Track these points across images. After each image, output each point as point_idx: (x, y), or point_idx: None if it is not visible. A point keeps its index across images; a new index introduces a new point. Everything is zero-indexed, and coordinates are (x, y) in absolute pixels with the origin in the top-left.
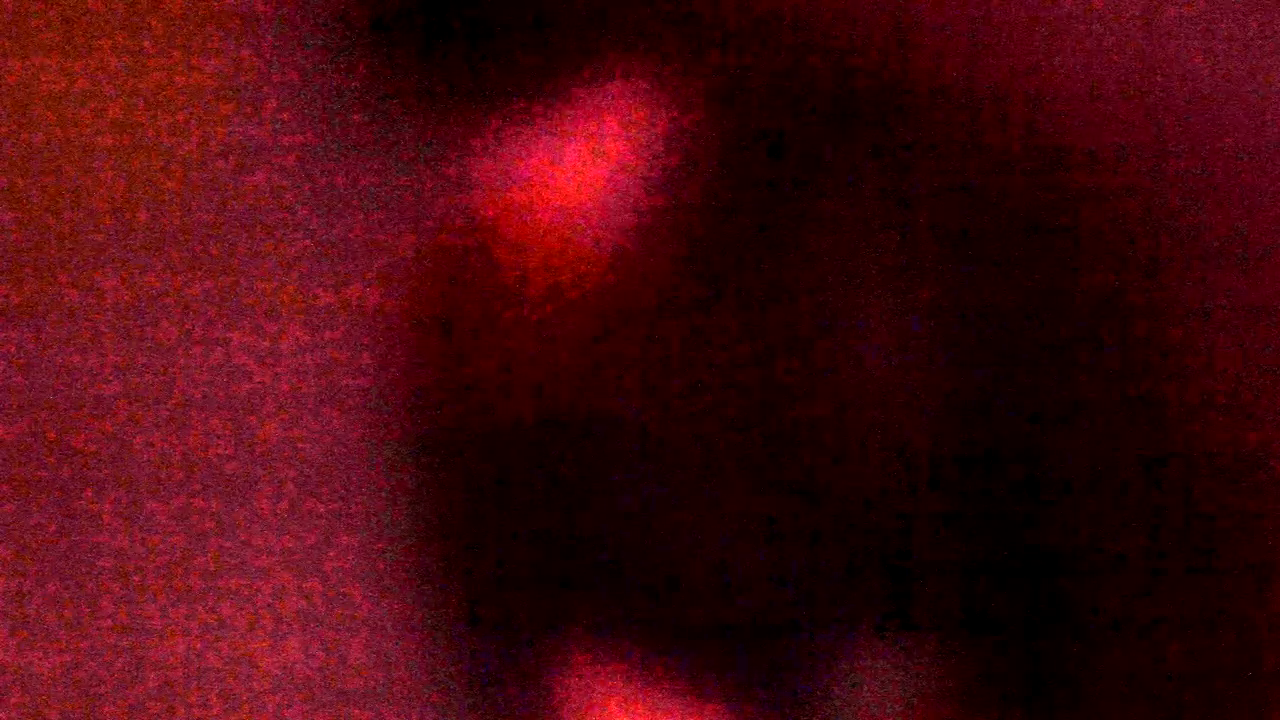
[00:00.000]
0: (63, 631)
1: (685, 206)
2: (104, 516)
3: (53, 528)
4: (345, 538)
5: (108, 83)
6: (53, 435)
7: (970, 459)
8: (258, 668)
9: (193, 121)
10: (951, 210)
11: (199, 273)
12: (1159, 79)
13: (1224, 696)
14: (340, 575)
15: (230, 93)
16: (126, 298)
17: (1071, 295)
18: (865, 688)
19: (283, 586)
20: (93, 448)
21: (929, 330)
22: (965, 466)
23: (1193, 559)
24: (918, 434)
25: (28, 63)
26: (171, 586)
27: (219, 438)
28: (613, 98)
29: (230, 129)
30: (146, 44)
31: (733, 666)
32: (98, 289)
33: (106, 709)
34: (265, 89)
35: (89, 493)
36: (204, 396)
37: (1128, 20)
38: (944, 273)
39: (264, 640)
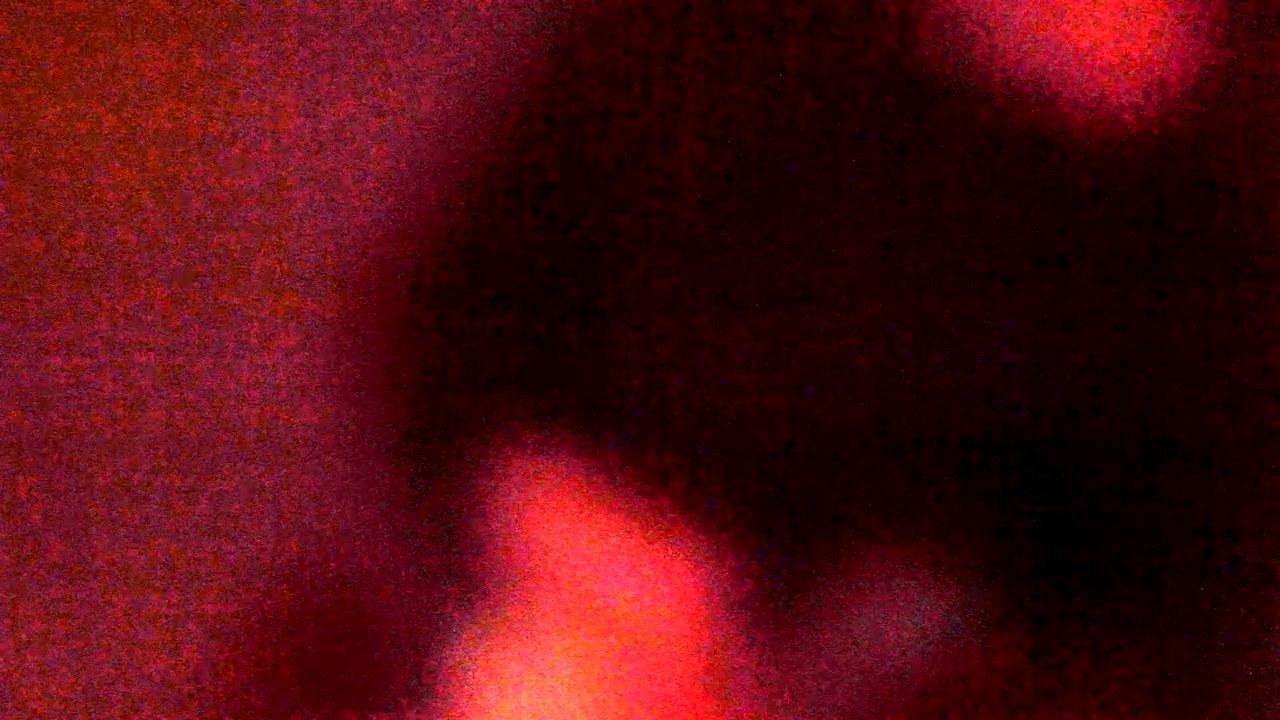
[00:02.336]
0: (59, 630)
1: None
2: (99, 515)
3: (50, 530)
4: (332, 541)
5: (106, 82)
6: (50, 434)
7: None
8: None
9: (191, 118)
10: (966, 209)
11: (195, 276)
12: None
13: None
14: (326, 578)
15: (226, 88)
16: (124, 303)
17: (1080, 295)
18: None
19: (272, 585)
20: (88, 452)
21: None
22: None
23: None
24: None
25: (27, 63)
26: (172, 584)
27: (214, 438)
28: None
29: (228, 126)
30: (147, 45)
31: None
32: (97, 291)
33: (104, 708)
34: (262, 84)
35: (85, 493)
36: (200, 398)
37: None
38: (949, 272)
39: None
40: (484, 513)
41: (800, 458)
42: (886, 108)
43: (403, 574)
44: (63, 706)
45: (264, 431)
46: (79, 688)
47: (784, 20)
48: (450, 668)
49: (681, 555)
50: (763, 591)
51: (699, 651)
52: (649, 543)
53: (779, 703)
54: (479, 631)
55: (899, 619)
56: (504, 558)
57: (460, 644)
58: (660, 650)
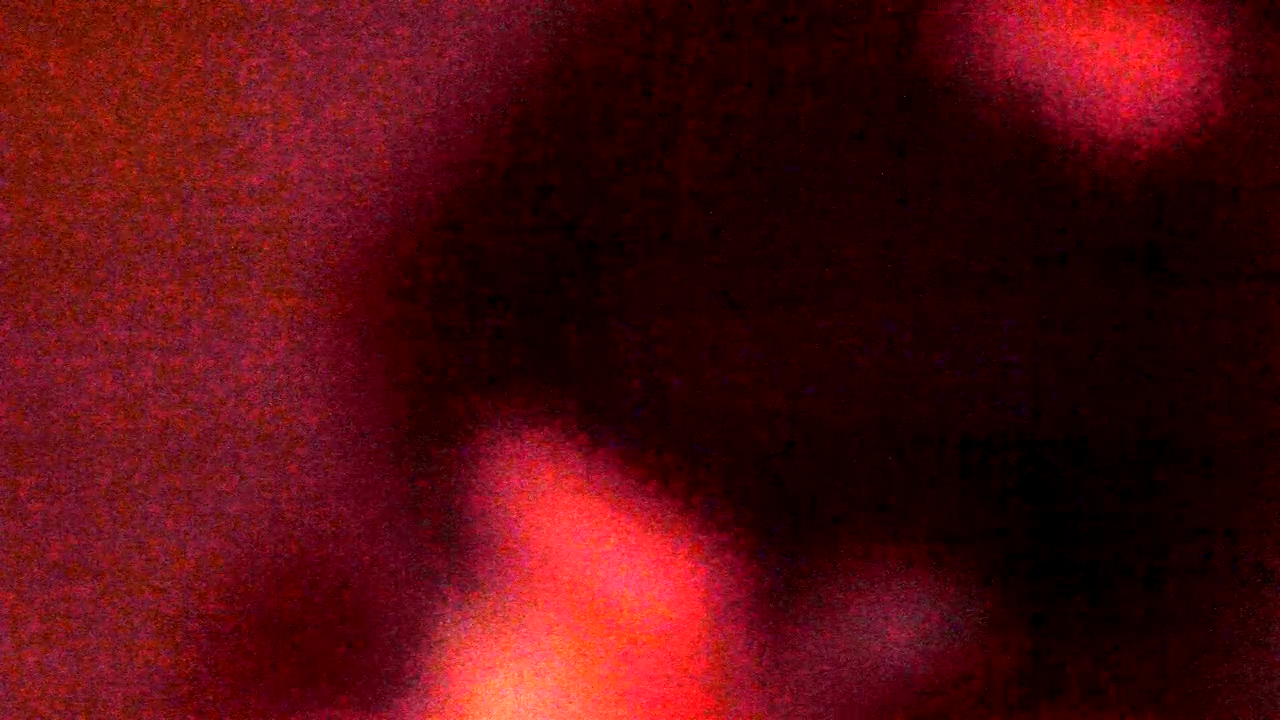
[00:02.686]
0: (59, 630)
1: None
2: (99, 515)
3: (50, 530)
4: (332, 541)
5: (106, 82)
6: (50, 434)
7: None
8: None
9: (191, 118)
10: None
11: (195, 276)
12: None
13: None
14: (326, 577)
15: (226, 88)
16: (124, 303)
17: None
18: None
19: (270, 586)
20: (88, 452)
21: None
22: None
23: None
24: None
25: (27, 63)
26: (172, 584)
27: (215, 438)
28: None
29: (228, 126)
30: (147, 45)
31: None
32: (97, 291)
33: (104, 708)
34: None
35: (85, 492)
36: (200, 398)
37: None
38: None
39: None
40: (483, 512)
41: (800, 458)
42: (886, 108)
43: (403, 573)
44: (63, 707)
45: (264, 431)
46: (79, 688)
47: (784, 20)
48: (449, 667)
49: (681, 555)
50: (762, 591)
51: (699, 652)
52: (648, 542)
53: (778, 702)
54: (478, 631)
55: (899, 619)
56: (503, 557)
57: (459, 644)
58: (660, 650)
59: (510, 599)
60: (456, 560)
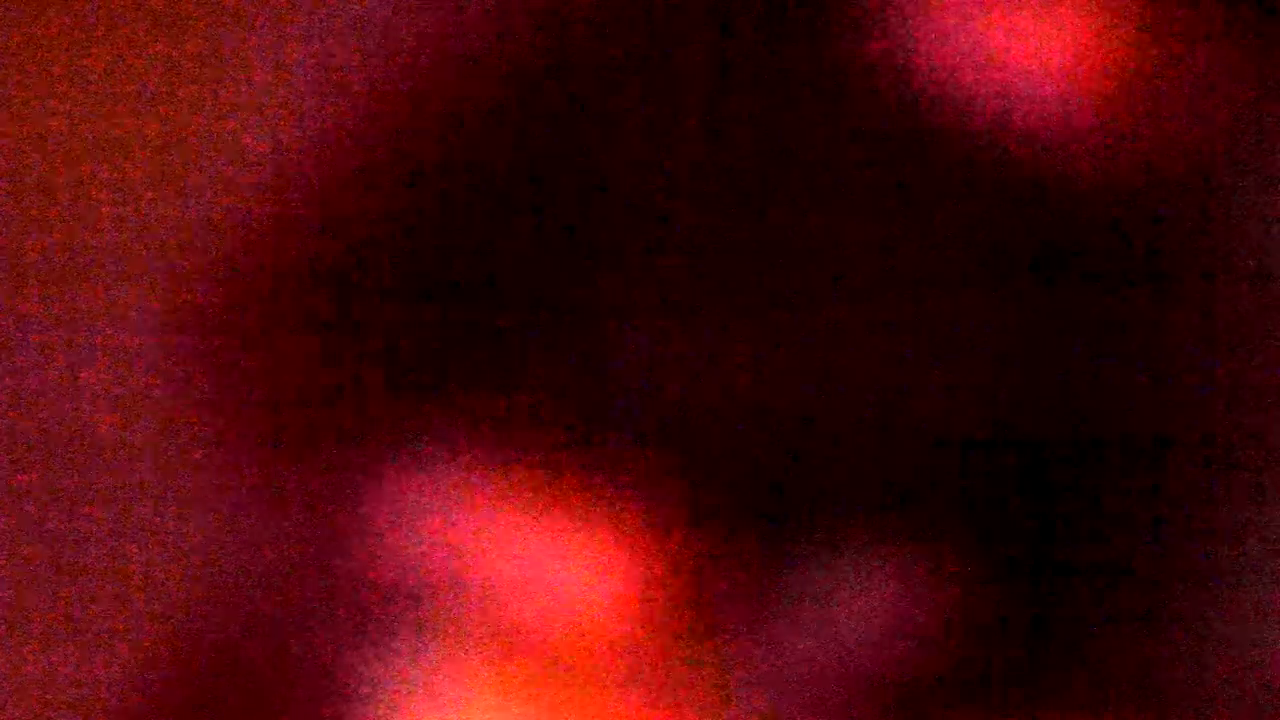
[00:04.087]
0: (59, 630)
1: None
2: (99, 515)
3: (50, 530)
4: (332, 540)
5: (106, 82)
6: (50, 434)
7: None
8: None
9: (191, 118)
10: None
11: (194, 278)
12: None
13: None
14: (328, 577)
15: (225, 88)
16: (122, 303)
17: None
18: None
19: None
20: (87, 452)
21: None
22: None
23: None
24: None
25: (27, 64)
26: (171, 585)
27: (214, 439)
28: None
29: (228, 126)
30: (146, 45)
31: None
32: (96, 291)
33: (103, 709)
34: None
35: (85, 493)
36: (200, 398)
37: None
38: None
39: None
40: (483, 512)
41: (800, 457)
42: (886, 108)
43: (391, 580)
44: (63, 706)
45: (264, 432)
46: (80, 687)
47: (784, 20)
48: (442, 671)
49: (679, 554)
50: (761, 591)
51: (697, 652)
52: (645, 542)
53: (779, 701)
54: (472, 634)
55: (899, 619)
56: (500, 559)
57: (452, 648)
58: (658, 650)
59: (506, 602)
60: (452, 562)
